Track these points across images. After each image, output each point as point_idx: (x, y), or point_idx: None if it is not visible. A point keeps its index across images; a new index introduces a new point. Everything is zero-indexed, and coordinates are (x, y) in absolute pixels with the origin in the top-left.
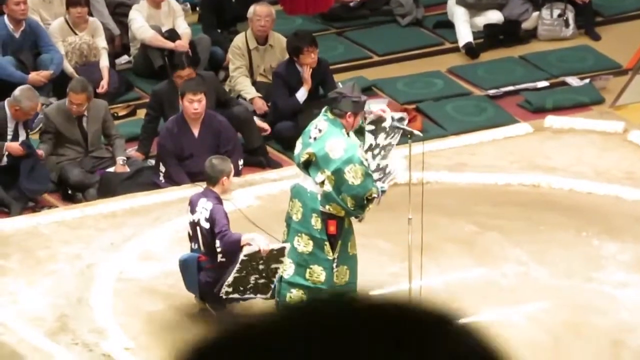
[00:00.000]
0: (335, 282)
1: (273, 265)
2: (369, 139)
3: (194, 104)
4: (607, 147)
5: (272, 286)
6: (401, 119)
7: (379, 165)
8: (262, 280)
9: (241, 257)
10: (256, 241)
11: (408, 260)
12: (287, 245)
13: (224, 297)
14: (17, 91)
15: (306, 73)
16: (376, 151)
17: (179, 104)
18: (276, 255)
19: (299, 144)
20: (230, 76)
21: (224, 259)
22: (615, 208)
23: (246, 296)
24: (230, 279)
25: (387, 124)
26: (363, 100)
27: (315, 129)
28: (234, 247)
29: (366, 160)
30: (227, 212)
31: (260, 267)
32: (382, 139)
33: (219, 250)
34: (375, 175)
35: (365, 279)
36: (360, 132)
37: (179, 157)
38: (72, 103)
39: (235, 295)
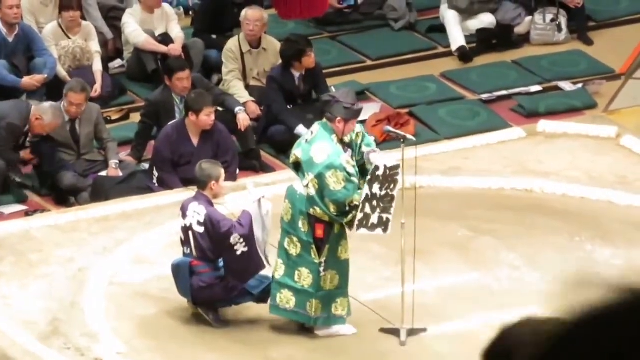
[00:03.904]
0: (322, 287)
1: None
2: (365, 189)
3: (211, 117)
4: (600, 152)
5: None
6: (397, 167)
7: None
8: (384, 192)
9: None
10: (254, 191)
11: (401, 264)
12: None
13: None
14: (47, 103)
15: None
16: (374, 203)
17: (175, 112)
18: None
19: (295, 145)
20: (223, 80)
21: (246, 249)
22: (608, 213)
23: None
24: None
25: (380, 172)
26: (357, 108)
27: (309, 131)
28: (249, 221)
29: (353, 167)
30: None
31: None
32: (377, 189)
33: (241, 241)
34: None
35: (357, 283)
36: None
37: (176, 164)
38: (72, 104)
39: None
